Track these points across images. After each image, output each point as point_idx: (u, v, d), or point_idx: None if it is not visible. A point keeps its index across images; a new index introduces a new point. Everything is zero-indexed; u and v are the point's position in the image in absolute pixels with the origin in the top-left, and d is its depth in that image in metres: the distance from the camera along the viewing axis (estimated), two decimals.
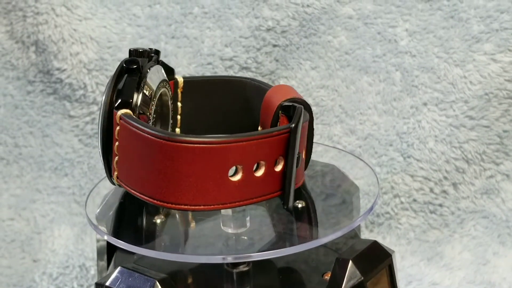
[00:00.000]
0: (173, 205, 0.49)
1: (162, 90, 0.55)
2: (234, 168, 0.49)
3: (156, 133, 0.48)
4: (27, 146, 0.90)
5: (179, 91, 0.59)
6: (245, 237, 0.53)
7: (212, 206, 0.49)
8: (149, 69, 0.53)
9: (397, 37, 0.85)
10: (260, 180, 0.49)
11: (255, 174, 0.49)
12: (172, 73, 0.58)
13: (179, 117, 0.60)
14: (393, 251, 0.56)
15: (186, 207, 0.49)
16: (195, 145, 0.47)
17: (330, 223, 0.56)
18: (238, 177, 0.48)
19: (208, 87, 0.60)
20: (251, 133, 0.49)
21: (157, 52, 0.55)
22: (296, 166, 0.50)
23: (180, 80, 0.59)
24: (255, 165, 0.49)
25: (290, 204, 0.50)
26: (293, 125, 0.49)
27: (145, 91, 0.52)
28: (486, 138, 0.84)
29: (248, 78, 0.59)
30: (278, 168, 0.50)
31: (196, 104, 0.60)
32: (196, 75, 0.85)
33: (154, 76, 0.54)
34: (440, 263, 0.84)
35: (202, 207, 0.48)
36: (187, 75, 0.61)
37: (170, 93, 0.57)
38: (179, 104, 0.59)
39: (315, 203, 0.57)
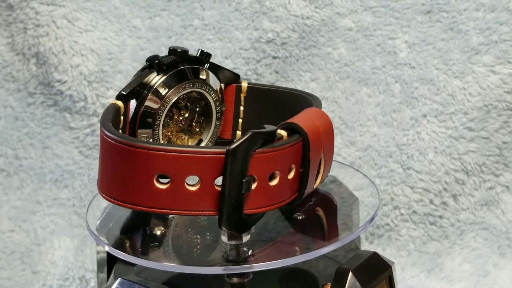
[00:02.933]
0: (106, 196, 0.52)
1: (191, 90, 0.57)
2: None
3: (103, 128, 0.51)
4: (27, 157, 0.90)
5: (242, 95, 0.61)
6: (246, 248, 0.53)
7: (136, 206, 0.50)
8: (178, 68, 0.56)
9: (396, 49, 0.86)
10: (194, 194, 0.49)
11: (188, 188, 0.49)
12: (235, 77, 0.61)
13: (240, 120, 0.62)
14: (393, 263, 0.56)
15: (114, 201, 0.51)
16: (122, 145, 0.49)
17: (330, 234, 0.56)
18: (166, 185, 0.49)
19: (273, 96, 0.61)
20: (185, 146, 0.51)
21: (207, 56, 0.58)
22: (244, 191, 0.49)
23: (244, 85, 0.61)
24: (191, 179, 0.49)
25: (229, 227, 0.50)
26: (229, 148, 0.48)
27: (158, 87, 0.55)
28: (486, 150, 0.84)
29: (311, 95, 0.59)
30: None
31: (259, 110, 0.61)
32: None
33: (183, 75, 0.56)
34: (440, 275, 0.84)
35: (126, 204, 0.50)
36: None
37: (215, 95, 0.59)
38: (241, 108, 0.61)
39: (315, 215, 0.58)
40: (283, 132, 0.51)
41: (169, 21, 0.88)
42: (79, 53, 0.87)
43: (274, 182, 0.51)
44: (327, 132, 0.54)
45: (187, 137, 0.60)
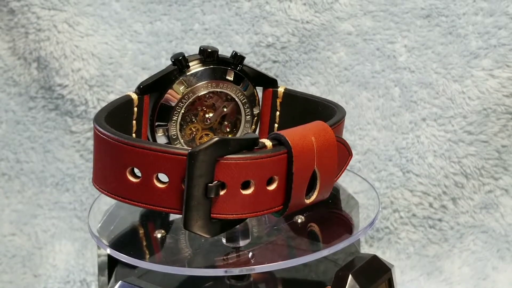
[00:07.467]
0: (93, 182, 0.54)
1: (213, 89, 0.58)
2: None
3: (94, 117, 0.53)
4: (28, 161, 0.90)
5: (278, 101, 0.62)
6: (247, 250, 0.53)
7: (112, 195, 0.52)
8: (202, 67, 0.57)
9: (396, 53, 0.86)
10: (162, 191, 0.50)
11: (157, 184, 0.50)
12: (272, 82, 0.62)
13: (276, 125, 0.62)
14: (393, 265, 0.56)
15: (97, 187, 0.53)
16: (102, 136, 0.51)
17: (330, 237, 0.56)
18: (138, 179, 0.50)
19: (308, 104, 0.61)
20: (154, 143, 0.52)
21: (240, 59, 0.59)
22: (211, 195, 0.49)
23: (280, 90, 0.62)
24: (164, 176, 0.50)
25: (191, 228, 0.49)
26: (191, 151, 0.48)
27: (177, 84, 0.57)
28: (485, 153, 0.84)
29: (338, 106, 0.59)
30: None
31: (294, 116, 0.61)
32: None
33: (206, 74, 0.58)
34: (440, 278, 0.84)
35: (105, 192, 0.52)
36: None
37: (243, 97, 0.60)
38: (277, 113, 0.62)
39: (315, 217, 0.58)
40: (267, 142, 0.50)
41: (170, 25, 0.88)
42: (80, 57, 0.87)
43: (249, 191, 0.50)
44: (326, 148, 0.52)
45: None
